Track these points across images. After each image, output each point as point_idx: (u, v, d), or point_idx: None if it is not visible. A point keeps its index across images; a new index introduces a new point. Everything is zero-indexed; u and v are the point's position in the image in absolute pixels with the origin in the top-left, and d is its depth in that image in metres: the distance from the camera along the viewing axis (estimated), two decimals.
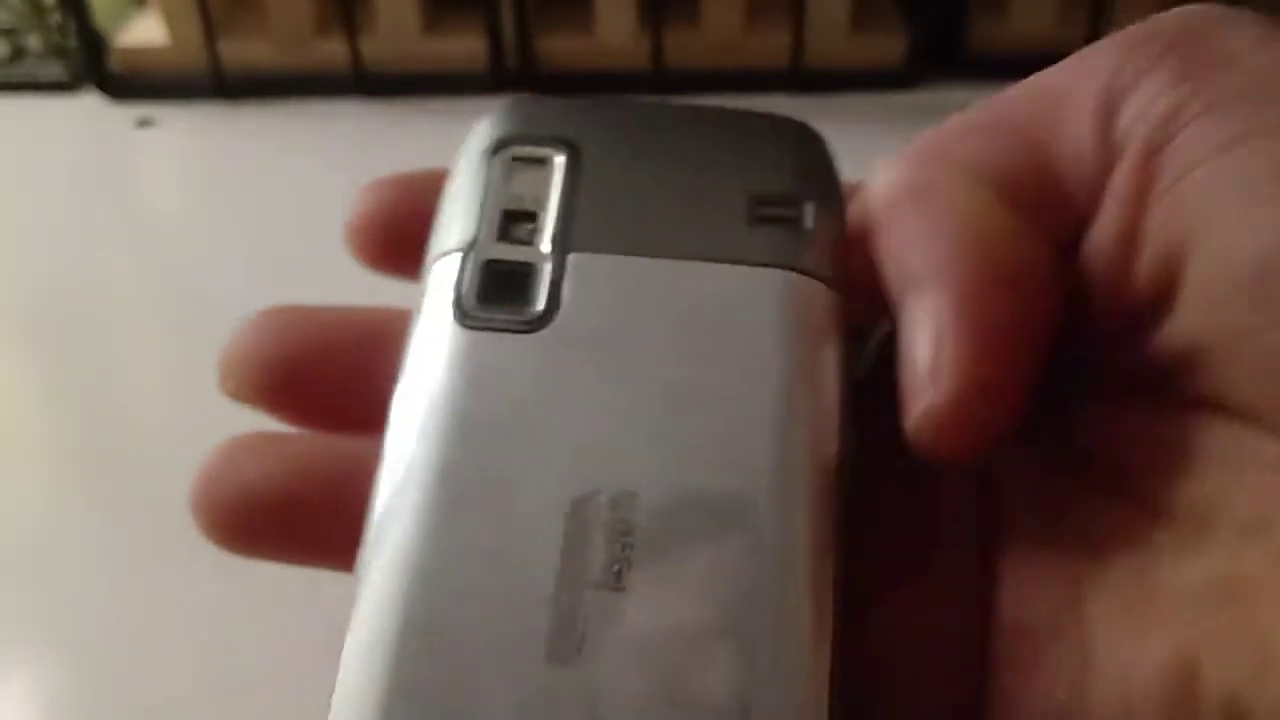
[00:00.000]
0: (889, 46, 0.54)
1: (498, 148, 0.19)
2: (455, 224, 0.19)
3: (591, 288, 0.18)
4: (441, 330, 0.18)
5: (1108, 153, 0.17)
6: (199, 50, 0.53)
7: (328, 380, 0.20)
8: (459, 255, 0.18)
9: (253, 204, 0.48)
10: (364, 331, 0.20)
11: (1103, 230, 0.17)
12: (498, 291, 0.18)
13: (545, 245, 0.18)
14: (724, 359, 0.17)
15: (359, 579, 0.16)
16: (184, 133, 0.53)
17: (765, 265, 0.18)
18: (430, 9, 0.53)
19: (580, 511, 0.16)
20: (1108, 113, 0.17)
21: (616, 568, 0.16)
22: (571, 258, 0.18)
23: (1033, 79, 0.18)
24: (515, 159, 0.19)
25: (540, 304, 0.18)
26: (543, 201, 0.19)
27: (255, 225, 0.47)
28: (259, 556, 0.19)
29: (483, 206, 0.19)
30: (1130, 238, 0.17)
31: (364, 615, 0.16)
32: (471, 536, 0.16)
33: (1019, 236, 0.17)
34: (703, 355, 0.17)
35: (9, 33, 0.58)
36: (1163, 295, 0.16)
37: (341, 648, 0.15)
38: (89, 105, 0.54)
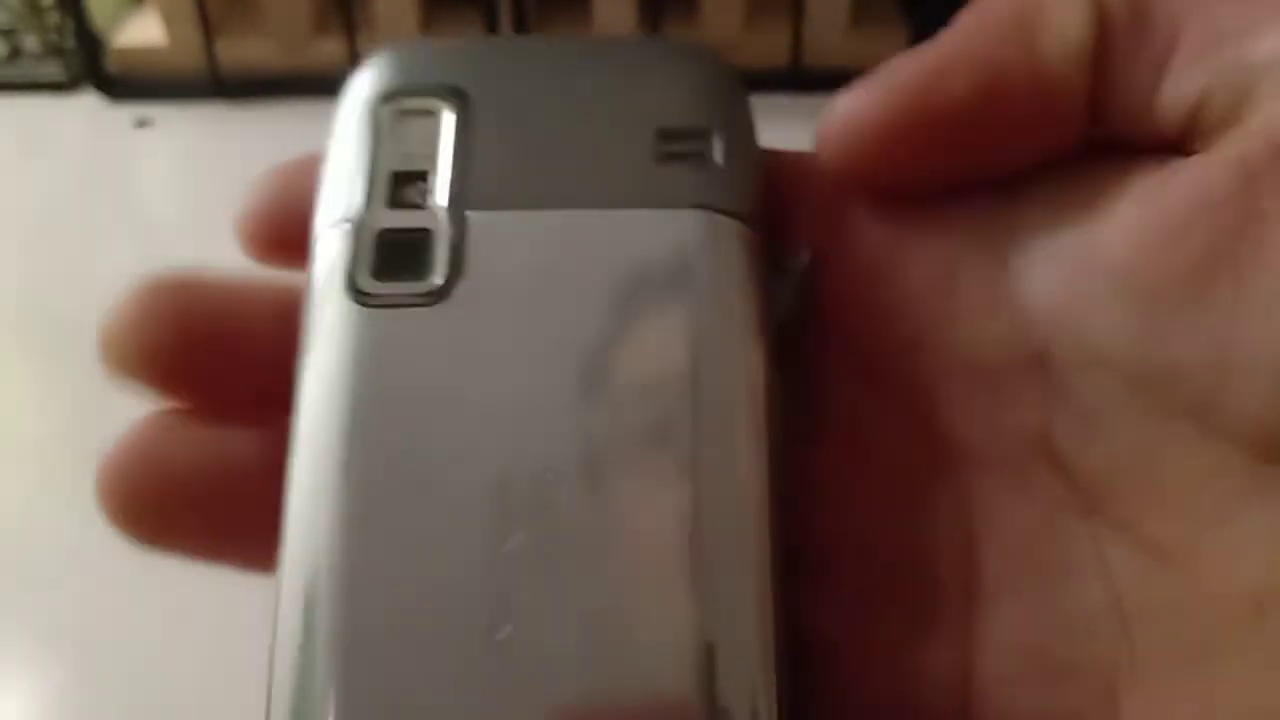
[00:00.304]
0: (888, 45, 0.53)
1: (380, 102, 0.18)
2: (341, 191, 0.17)
3: (493, 250, 0.17)
4: (337, 311, 0.16)
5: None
6: (197, 50, 0.53)
7: (221, 357, 0.18)
8: (348, 226, 0.17)
9: None
10: (260, 304, 0.18)
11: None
12: (394, 264, 0.17)
13: (440, 207, 0.17)
14: (637, 310, 0.16)
15: (280, 581, 0.15)
16: (182, 133, 0.53)
17: (673, 206, 0.17)
18: (429, 8, 0.53)
19: (502, 485, 0.15)
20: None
21: (544, 535, 0.15)
22: (470, 218, 0.17)
23: None
24: (400, 113, 0.18)
25: (440, 273, 0.16)
26: (434, 158, 0.17)
27: None
28: (174, 549, 0.18)
29: (369, 169, 0.17)
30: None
31: (292, 618, 0.15)
32: (392, 529, 0.15)
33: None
34: (615, 309, 0.16)
35: (7, 33, 0.58)
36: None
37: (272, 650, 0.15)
38: (87, 105, 0.54)
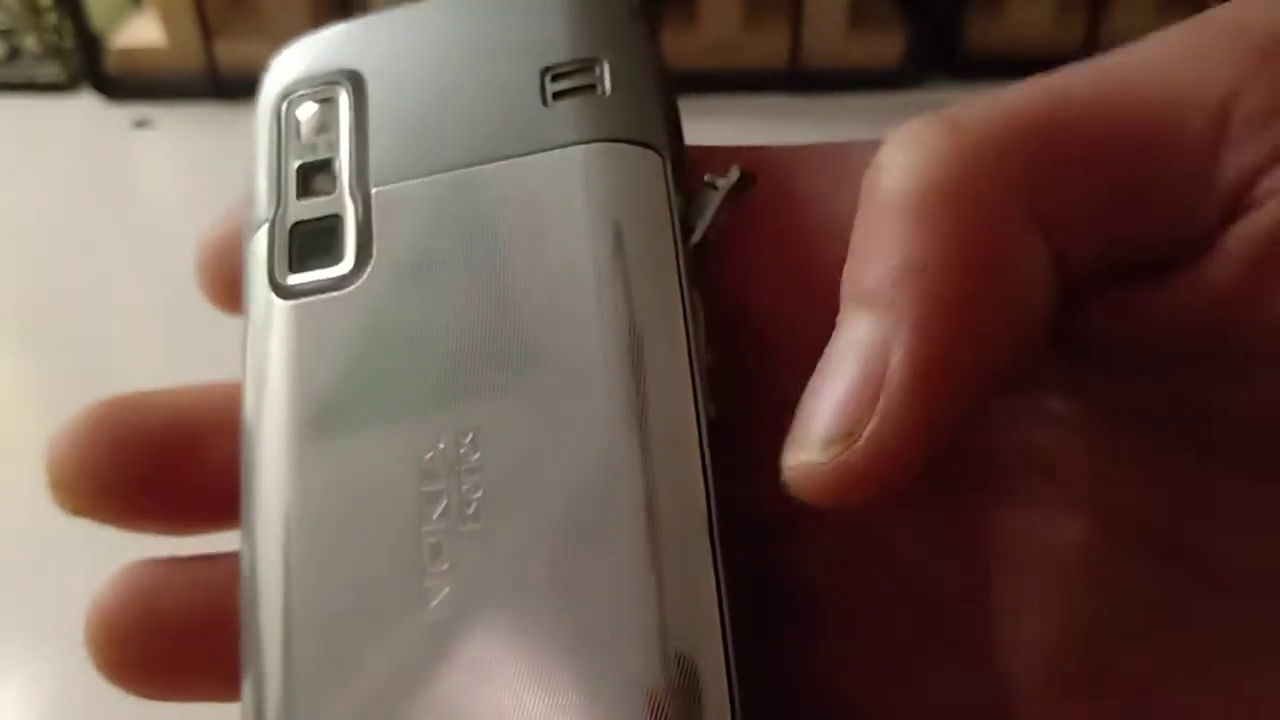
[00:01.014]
0: (886, 46, 0.53)
1: (279, 100, 0.18)
2: (258, 194, 0.17)
3: (398, 222, 0.16)
4: (262, 308, 0.17)
5: (1221, 198, 0.14)
6: (196, 51, 0.53)
7: (176, 475, 0.17)
8: (265, 225, 0.17)
9: None
10: (207, 409, 0.17)
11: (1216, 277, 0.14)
12: (307, 253, 0.17)
13: (345, 190, 0.17)
14: (541, 257, 0.16)
15: (242, 569, 0.16)
16: (180, 133, 0.53)
17: (563, 144, 0.16)
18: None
19: (430, 461, 0.15)
20: (1226, 145, 0.14)
21: (472, 504, 0.15)
22: (374, 195, 0.17)
23: (1106, 78, 0.14)
24: (300, 106, 0.18)
25: (350, 255, 0.17)
26: (336, 144, 0.17)
27: None
28: (168, 694, 0.17)
29: (278, 167, 0.17)
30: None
31: (254, 611, 0.15)
32: (331, 517, 0.15)
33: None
34: (520, 260, 0.16)
35: (6, 33, 0.58)
36: None
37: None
38: (86, 106, 0.54)
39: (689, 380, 0.15)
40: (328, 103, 0.18)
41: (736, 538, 0.15)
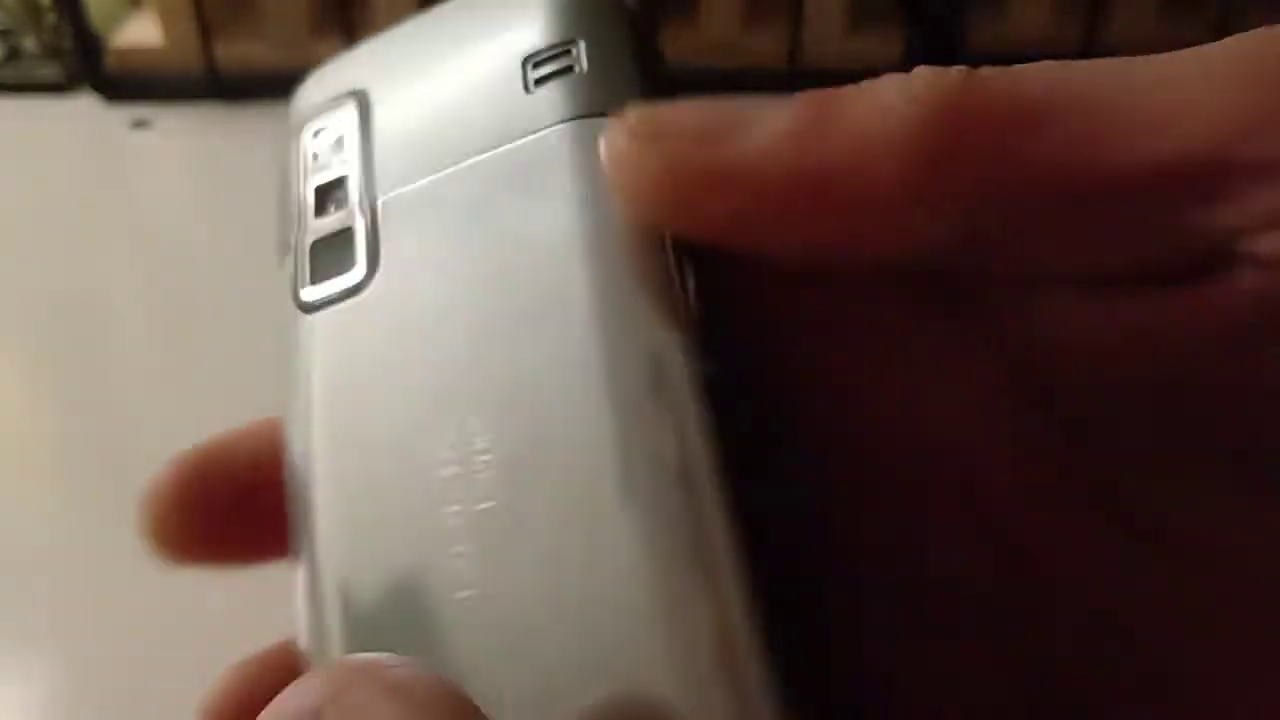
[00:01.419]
0: (887, 46, 0.53)
1: (296, 132, 0.19)
2: (283, 223, 0.19)
3: (402, 226, 0.17)
4: (291, 325, 0.18)
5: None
6: (194, 51, 0.53)
7: (265, 516, 0.18)
8: (290, 250, 0.18)
9: (248, 205, 0.47)
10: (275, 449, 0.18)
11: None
12: (324, 267, 0.18)
13: (355, 203, 0.18)
14: (530, 238, 0.16)
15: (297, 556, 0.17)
16: (179, 134, 0.53)
17: (547, 126, 0.17)
18: (427, 8, 0.53)
19: (446, 462, 0.16)
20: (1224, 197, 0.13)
21: (487, 500, 0.15)
22: (379, 203, 0.18)
23: (1120, 81, 0.14)
24: (315, 133, 0.19)
25: (363, 262, 0.17)
26: (348, 162, 0.18)
27: (251, 226, 0.46)
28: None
29: (298, 194, 0.18)
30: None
31: (307, 586, 0.17)
32: (365, 512, 0.16)
33: None
34: (512, 245, 0.16)
35: (4, 33, 0.58)
36: None
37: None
38: (84, 106, 0.54)
39: (681, 340, 0.15)
40: (340, 123, 0.19)
41: (744, 496, 0.15)
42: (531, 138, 0.17)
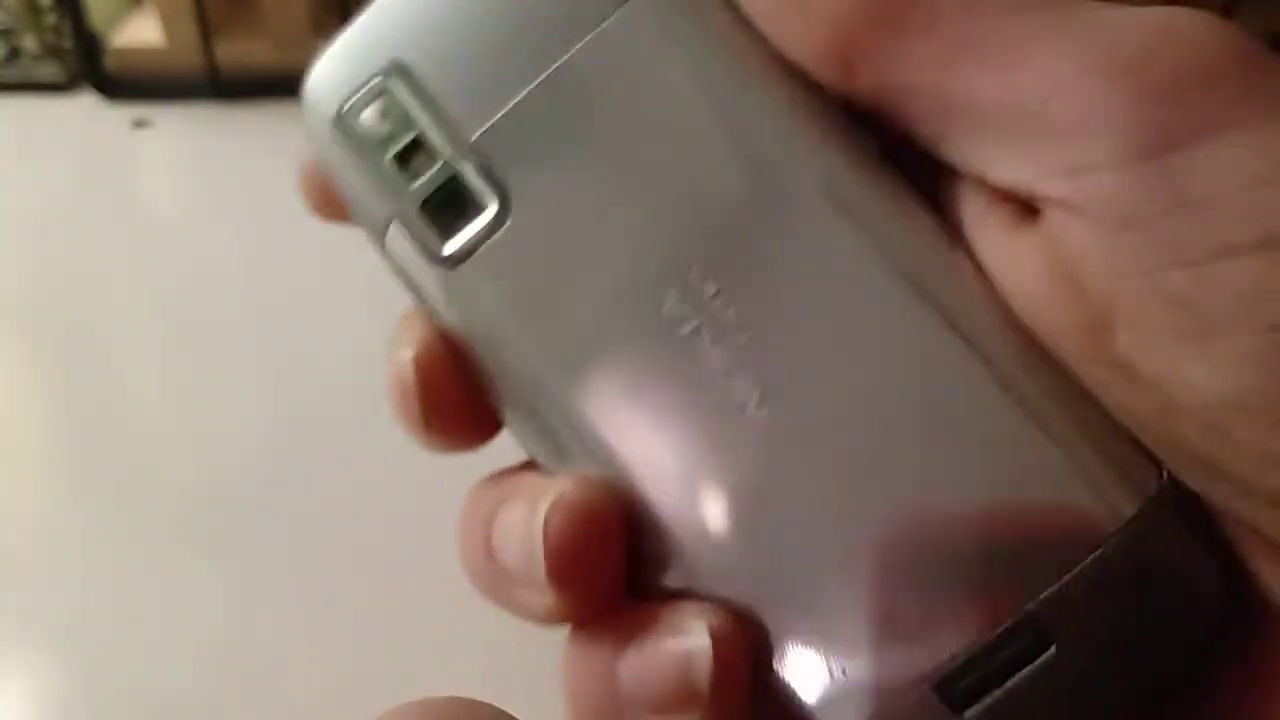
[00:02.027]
0: None
1: (337, 121, 0.19)
2: (367, 200, 0.18)
3: (514, 148, 0.18)
4: (440, 288, 0.18)
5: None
6: (195, 51, 0.53)
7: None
8: (395, 223, 0.18)
9: (248, 204, 0.48)
10: None
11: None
12: (451, 218, 0.18)
13: (450, 152, 0.18)
14: (668, 91, 0.17)
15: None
16: (180, 133, 0.53)
17: (622, 3, 0.17)
18: None
19: (681, 320, 0.17)
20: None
21: (743, 331, 0.16)
22: (476, 140, 0.18)
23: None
24: (360, 113, 0.19)
25: (491, 197, 0.18)
26: (414, 122, 0.18)
27: (250, 225, 0.46)
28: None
29: (374, 169, 0.18)
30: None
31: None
32: (630, 404, 0.17)
33: None
34: (650, 104, 0.17)
35: (5, 33, 0.58)
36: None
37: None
38: (85, 106, 0.54)
39: (829, 142, 0.17)
40: (383, 97, 0.18)
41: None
42: (614, 18, 0.17)
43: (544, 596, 0.17)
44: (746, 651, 0.16)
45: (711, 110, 0.17)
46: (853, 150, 0.17)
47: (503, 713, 0.14)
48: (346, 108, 0.19)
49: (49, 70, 0.56)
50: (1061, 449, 0.15)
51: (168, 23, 0.53)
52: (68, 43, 0.54)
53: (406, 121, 0.18)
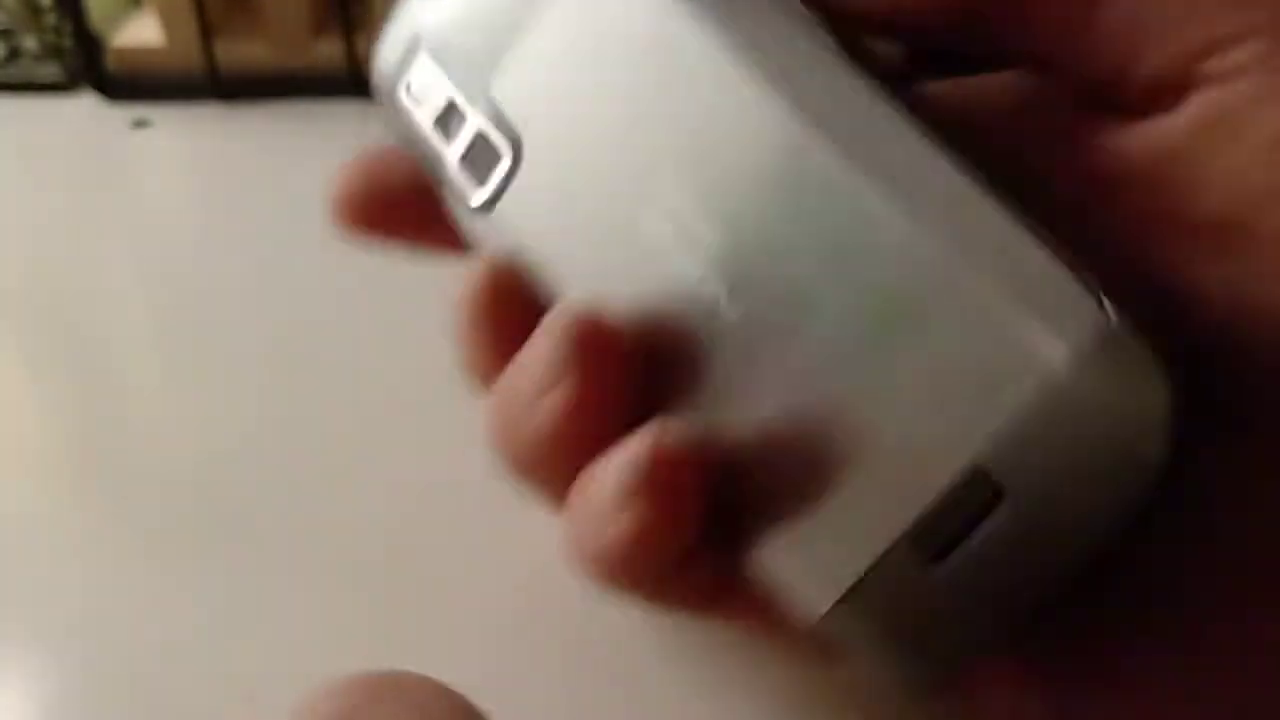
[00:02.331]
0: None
1: (389, 95, 0.22)
2: (428, 164, 0.21)
3: (522, 98, 0.20)
4: (482, 232, 0.20)
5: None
6: (195, 51, 0.53)
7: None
8: (446, 181, 0.21)
9: (249, 205, 0.48)
10: None
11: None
12: (479, 169, 0.20)
13: (471, 110, 0.20)
14: (645, 24, 0.18)
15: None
16: (180, 133, 0.53)
17: None
18: None
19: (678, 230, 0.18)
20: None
21: (702, 227, 0.18)
22: (486, 98, 0.20)
23: None
24: (407, 88, 0.22)
25: (505, 147, 0.20)
26: (446, 89, 0.21)
27: (252, 226, 0.46)
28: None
29: (426, 136, 0.21)
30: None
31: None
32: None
33: None
34: (632, 37, 0.18)
35: (5, 33, 0.58)
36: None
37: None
38: (85, 106, 0.54)
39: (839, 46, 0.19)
40: (417, 68, 0.21)
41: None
42: None
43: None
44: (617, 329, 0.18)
45: (699, 35, 0.18)
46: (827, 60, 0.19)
47: (450, 691, 0.14)
48: (402, 84, 0.22)
49: (49, 70, 0.56)
50: (998, 284, 0.15)
51: (168, 23, 0.53)
52: (67, 43, 0.54)
53: (439, 89, 0.21)
